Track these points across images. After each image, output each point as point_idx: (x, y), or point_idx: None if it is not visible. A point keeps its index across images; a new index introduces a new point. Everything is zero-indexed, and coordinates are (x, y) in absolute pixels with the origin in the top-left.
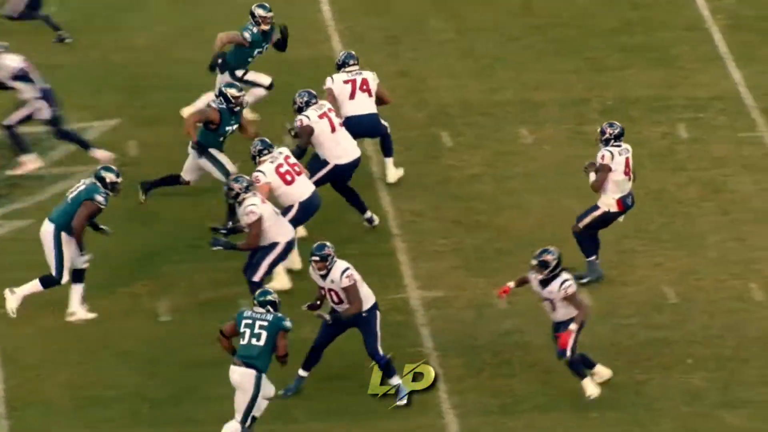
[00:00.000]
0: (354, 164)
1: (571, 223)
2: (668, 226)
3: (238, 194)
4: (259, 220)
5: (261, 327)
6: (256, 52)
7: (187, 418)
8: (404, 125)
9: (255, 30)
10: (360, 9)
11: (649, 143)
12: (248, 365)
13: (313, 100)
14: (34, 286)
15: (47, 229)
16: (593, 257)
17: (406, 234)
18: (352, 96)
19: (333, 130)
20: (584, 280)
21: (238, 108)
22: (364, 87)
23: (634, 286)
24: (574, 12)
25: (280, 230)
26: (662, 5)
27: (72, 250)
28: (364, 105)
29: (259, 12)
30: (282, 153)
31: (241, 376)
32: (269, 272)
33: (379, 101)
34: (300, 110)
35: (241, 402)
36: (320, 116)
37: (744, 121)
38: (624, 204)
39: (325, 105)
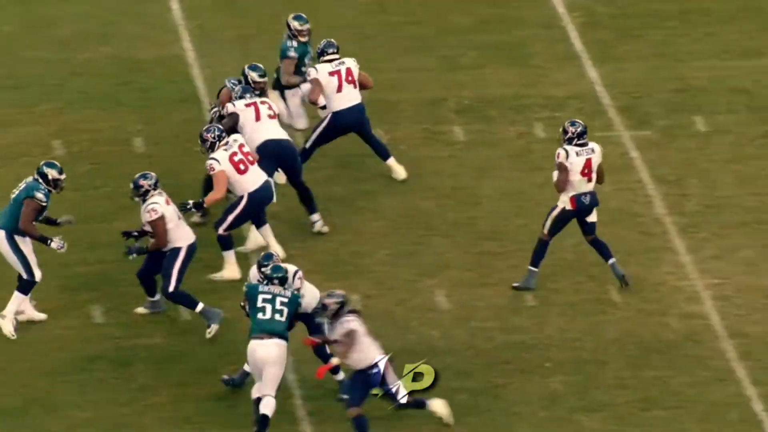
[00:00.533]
0: (284, 143)
1: (426, 224)
2: (525, 228)
3: (147, 191)
4: (162, 219)
5: (282, 303)
6: (306, 61)
7: (36, 427)
8: None
9: (296, 44)
10: (211, 6)
11: (505, 143)
12: (279, 336)
13: (247, 94)
14: (17, 299)
15: None
16: (536, 269)
17: None
18: (339, 89)
19: (258, 119)
20: (516, 284)
21: (258, 93)
22: (350, 78)
23: (491, 288)
24: (428, 10)
25: (181, 234)
26: (518, 3)
27: (30, 247)
28: (350, 97)
29: (295, 25)
30: (236, 141)
31: (276, 347)
32: (181, 279)
33: (362, 87)
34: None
35: (273, 376)
36: (246, 105)
37: (601, 120)
38: (578, 202)
39: (257, 97)
